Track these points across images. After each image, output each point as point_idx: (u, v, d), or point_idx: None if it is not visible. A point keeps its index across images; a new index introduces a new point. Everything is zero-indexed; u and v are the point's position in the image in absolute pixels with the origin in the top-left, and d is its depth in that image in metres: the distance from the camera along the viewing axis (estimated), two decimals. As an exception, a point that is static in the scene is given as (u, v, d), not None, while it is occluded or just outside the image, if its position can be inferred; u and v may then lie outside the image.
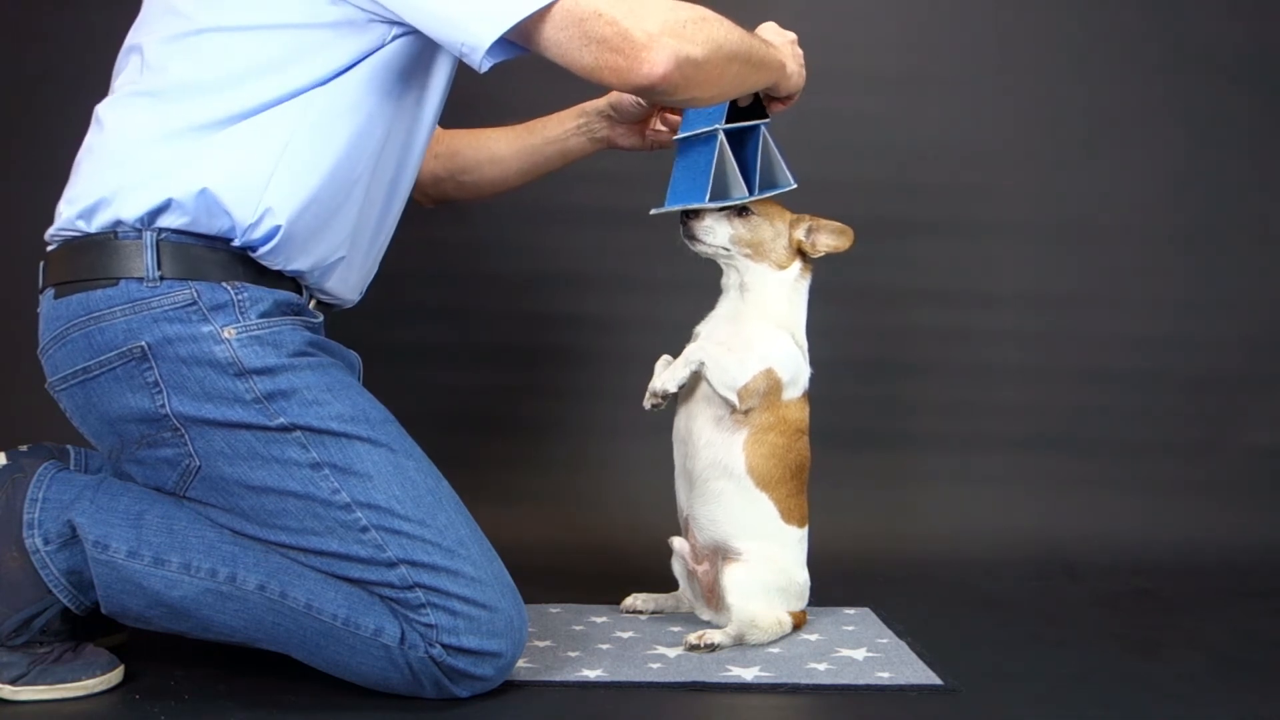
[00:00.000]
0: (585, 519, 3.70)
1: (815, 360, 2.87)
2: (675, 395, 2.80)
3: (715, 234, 2.80)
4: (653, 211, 2.84)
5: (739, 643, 2.73)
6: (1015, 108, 3.94)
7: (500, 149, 3.05)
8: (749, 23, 2.63)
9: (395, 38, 2.40)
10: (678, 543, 2.90)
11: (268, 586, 2.33)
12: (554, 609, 3.00)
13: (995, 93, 3.93)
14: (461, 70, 2.51)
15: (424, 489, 2.37)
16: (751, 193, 2.76)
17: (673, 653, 2.68)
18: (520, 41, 2.32)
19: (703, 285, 2.94)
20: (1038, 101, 3.93)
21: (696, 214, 2.79)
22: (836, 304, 3.20)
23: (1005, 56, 3.94)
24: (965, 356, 3.90)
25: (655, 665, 2.59)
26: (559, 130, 3.03)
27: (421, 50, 2.46)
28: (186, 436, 2.33)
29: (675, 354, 2.79)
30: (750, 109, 2.78)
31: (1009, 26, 3.94)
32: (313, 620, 2.33)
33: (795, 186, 2.83)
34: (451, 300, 3.84)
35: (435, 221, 3.43)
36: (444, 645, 2.32)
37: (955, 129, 3.92)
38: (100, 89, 2.51)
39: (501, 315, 3.86)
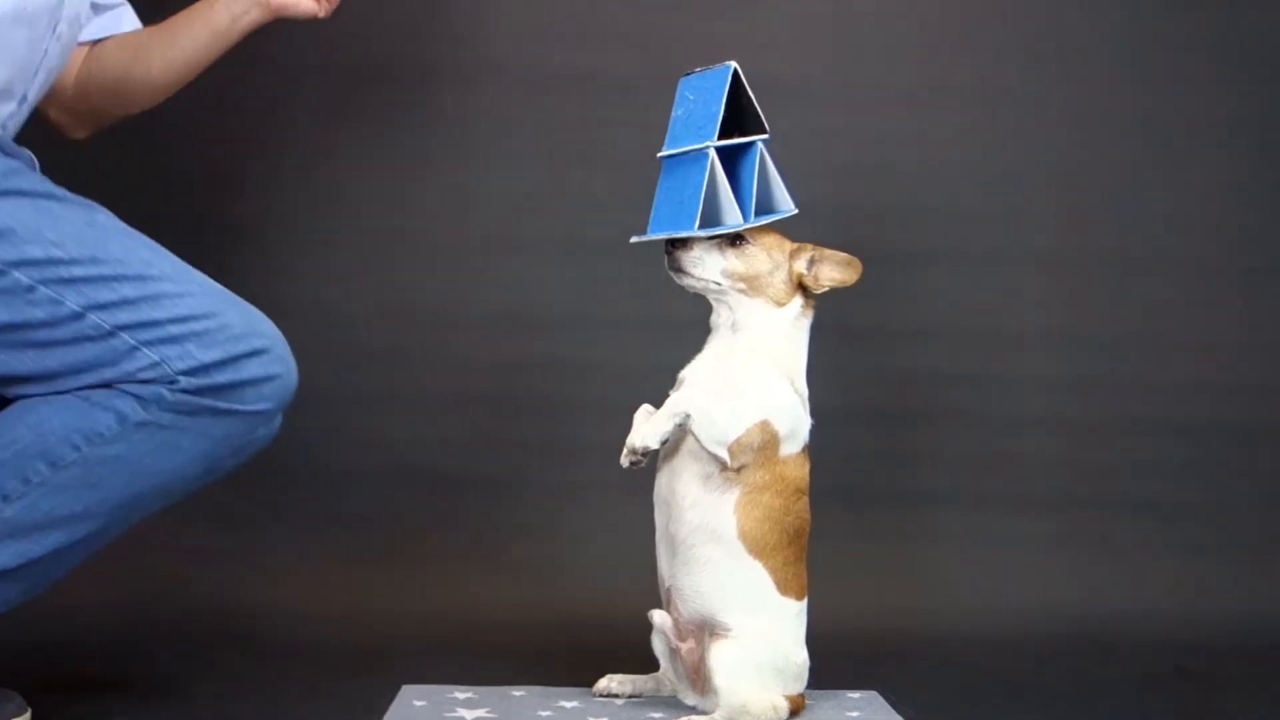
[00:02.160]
0: (554, 590, 3.69)
1: (817, 409, 2.87)
2: (657, 451, 2.79)
3: (705, 266, 2.81)
4: (634, 240, 2.86)
5: (729, 731, 2.73)
6: (1044, 121, 3.96)
7: (162, 54, 2.93)
8: (740, 20, 2.64)
9: None
10: (659, 617, 2.89)
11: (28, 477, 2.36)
12: (518, 692, 2.99)
13: (1021, 105, 3.96)
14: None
15: (81, 224, 2.36)
16: (746, 219, 2.77)
17: (654, 743, 2.68)
18: None
19: (689, 324, 2.95)
20: (1071, 113, 3.96)
21: (684, 243, 2.80)
22: (841, 345, 3.21)
23: (1033, 63, 3.96)
24: (987, 404, 3.92)
25: (634, 758, 2.59)
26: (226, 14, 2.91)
27: None
28: None
29: (657, 403, 2.79)
30: (747, 124, 2.80)
31: (1037, 29, 3.97)
32: (78, 470, 2.36)
33: (796, 212, 2.86)
34: (401, 341, 3.84)
35: (385, 254, 3.43)
36: (183, 373, 2.32)
37: (975, 146, 3.94)
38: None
39: (458, 359, 3.85)
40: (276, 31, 2.93)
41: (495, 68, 3.74)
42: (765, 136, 2.82)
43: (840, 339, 3.18)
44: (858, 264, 2.86)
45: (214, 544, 3.73)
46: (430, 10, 3.75)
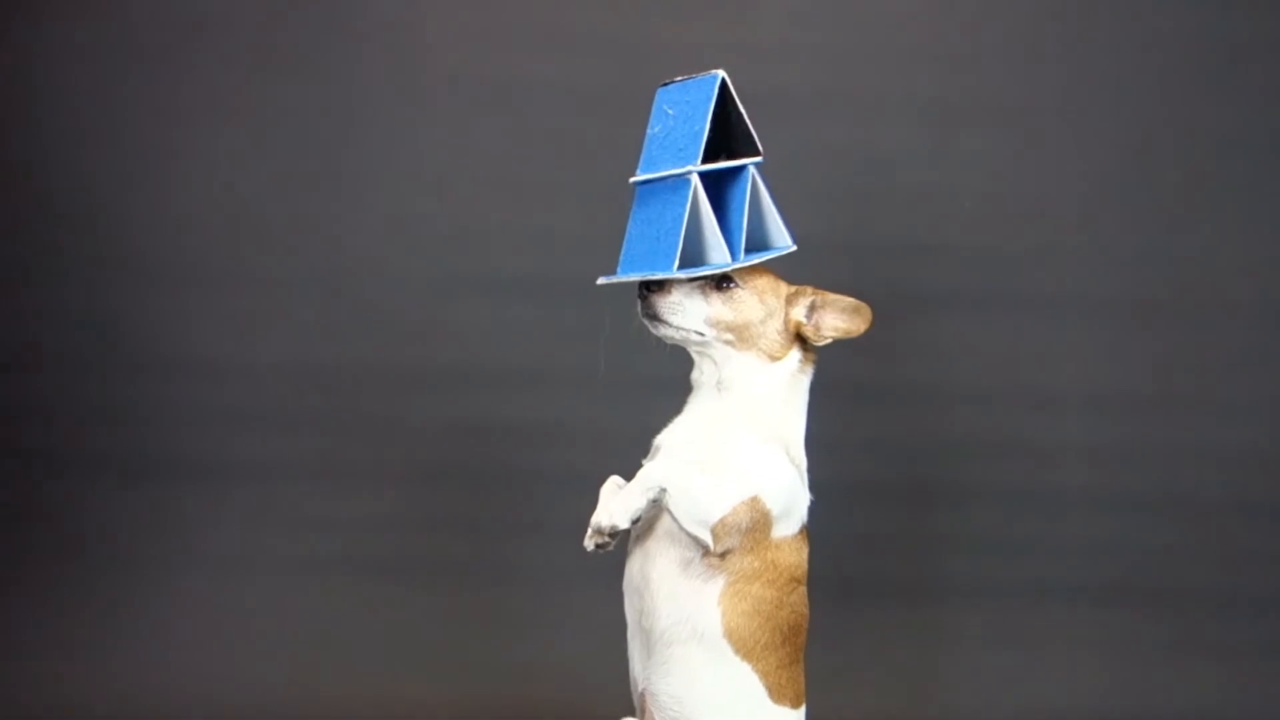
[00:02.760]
0: (509, 693, 3.65)
1: (817, 483, 2.82)
2: (628, 532, 2.72)
3: (685, 313, 2.75)
4: (601, 281, 2.78)
5: None
6: (1084, 141, 3.93)
7: None
8: (739, 22, 2.62)
9: None
10: (631, 727, 2.85)
11: None
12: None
13: (1056, 125, 3.93)
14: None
15: None
16: (735, 257, 2.72)
17: None
18: None
19: (667, 381, 2.90)
20: (1115, 132, 3.93)
21: (661, 286, 2.74)
22: (846, 407, 3.18)
23: (1070, 77, 3.93)
24: (1017, 478, 3.89)
25: None
26: None
27: None
28: None
29: (628, 474, 2.73)
30: (736, 144, 2.75)
31: (1075, 37, 3.94)
32: None
33: (794, 249, 2.81)
34: (325, 402, 3.81)
35: (306, 298, 3.41)
36: None
37: (1004, 170, 3.91)
38: None
39: (392, 422, 3.83)
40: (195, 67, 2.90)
41: (439, 78, 3.72)
42: (758, 159, 2.76)
43: (845, 400, 3.14)
44: (866, 310, 2.80)
45: (106, 640, 3.71)
46: (363, 9, 3.74)
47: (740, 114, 2.74)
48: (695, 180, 2.67)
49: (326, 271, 3.41)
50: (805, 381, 2.83)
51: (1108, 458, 3.90)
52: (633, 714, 2.85)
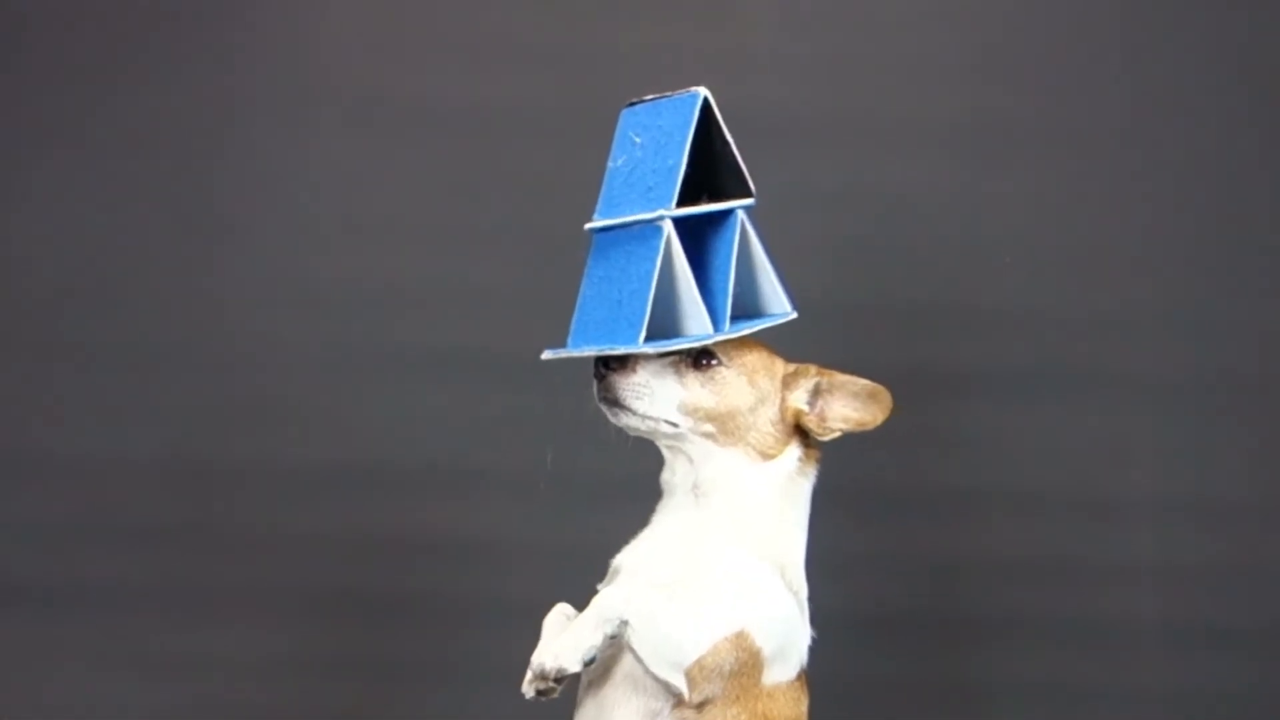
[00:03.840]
0: None
1: (821, 614, 2.80)
2: (579, 676, 2.70)
3: (654, 397, 2.73)
4: (547, 356, 2.76)
5: None
6: (1155, 184, 3.94)
7: None
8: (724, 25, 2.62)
9: None
10: None
11: None
12: None
13: (1119, 157, 3.94)
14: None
15: None
16: (718, 327, 2.70)
17: None
18: None
19: (631, 483, 2.86)
20: (1194, 172, 3.94)
21: (623, 363, 2.72)
22: (857, 518, 3.17)
23: (1136, 96, 3.95)
24: (1070, 606, 3.87)
25: None
26: None
27: None
28: None
29: (579, 603, 2.70)
30: (721, 181, 2.75)
31: (1142, 46, 3.95)
32: None
33: (793, 316, 2.80)
34: (194, 508, 3.79)
35: (165, 371, 3.42)
36: None
37: (1054, 219, 3.92)
38: None
39: (283, 534, 3.81)
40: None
41: (339, 96, 3.73)
42: (749, 201, 2.75)
43: (857, 508, 3.13)
44: (885, 396, 2.78)
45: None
46: (240, 8, 3.75)
47: (726, 143, 2.74)
48: (668, 227, 2.65)
49: (191, 343, 3.40)
50: (806, 486, 2.82)
51: (1188, 581, 3.89)
52: None
